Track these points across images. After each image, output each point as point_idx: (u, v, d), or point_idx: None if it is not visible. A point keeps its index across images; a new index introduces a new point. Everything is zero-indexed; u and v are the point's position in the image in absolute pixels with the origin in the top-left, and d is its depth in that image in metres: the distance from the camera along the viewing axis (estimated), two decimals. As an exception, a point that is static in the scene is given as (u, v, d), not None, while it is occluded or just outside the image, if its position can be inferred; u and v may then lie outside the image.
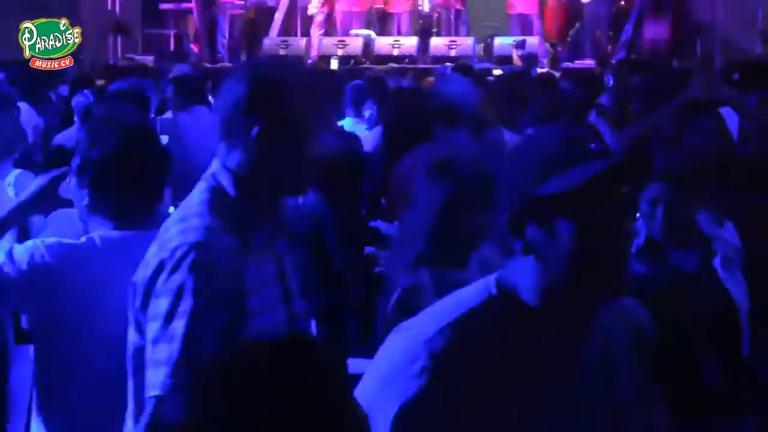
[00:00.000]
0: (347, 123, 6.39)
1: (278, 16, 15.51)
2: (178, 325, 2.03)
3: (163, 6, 14.99)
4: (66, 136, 5.49)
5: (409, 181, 2.68)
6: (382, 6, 15.64)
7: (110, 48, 15.33)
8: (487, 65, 12.60)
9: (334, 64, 13.30)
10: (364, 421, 1.33)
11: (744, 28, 12.81)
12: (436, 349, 1.62)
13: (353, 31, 15.05)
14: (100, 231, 2.47)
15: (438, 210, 2.58)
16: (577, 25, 15.36)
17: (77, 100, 6.18)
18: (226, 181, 2.19)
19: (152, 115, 6.42)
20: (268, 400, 1.24)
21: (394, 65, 13.28)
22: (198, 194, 2.20)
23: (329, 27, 15.53)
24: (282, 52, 14.26)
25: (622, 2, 15.23)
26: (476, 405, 1.61)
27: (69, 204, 2.61)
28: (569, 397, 1.68)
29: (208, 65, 13.38)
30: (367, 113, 6.45)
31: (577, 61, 14.06)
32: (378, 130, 5.08)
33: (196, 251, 2.06)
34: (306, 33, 15.24)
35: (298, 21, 15.42)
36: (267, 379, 1.25)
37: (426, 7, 15.51)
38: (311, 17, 15.27)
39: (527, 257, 1.66)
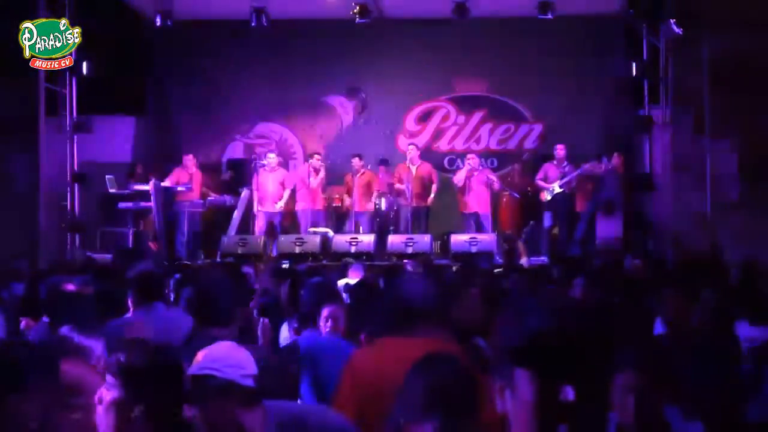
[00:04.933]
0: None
1: (236, 215, 15.65)
2: None
3: (122, 205, 15.09)
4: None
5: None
6: (340, 204, 15.90)
7: (68, 245, 15.34)
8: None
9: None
10: None
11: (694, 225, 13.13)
12: None
13: (311, 229, 15.19)
14: None
15: None
16: (532, 222, 15.66)
17: None
18: None
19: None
20: None
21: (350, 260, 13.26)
22: None
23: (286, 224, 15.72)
24: (240, 250, 14.31)
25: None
26: None
27: None
28: None
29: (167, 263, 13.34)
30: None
31: (532, 258, 14.24)
32: None
33: None
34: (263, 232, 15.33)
35: (256, 220, 15.55)
36: None
37: (383, 206, 15.78)
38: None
39: None
